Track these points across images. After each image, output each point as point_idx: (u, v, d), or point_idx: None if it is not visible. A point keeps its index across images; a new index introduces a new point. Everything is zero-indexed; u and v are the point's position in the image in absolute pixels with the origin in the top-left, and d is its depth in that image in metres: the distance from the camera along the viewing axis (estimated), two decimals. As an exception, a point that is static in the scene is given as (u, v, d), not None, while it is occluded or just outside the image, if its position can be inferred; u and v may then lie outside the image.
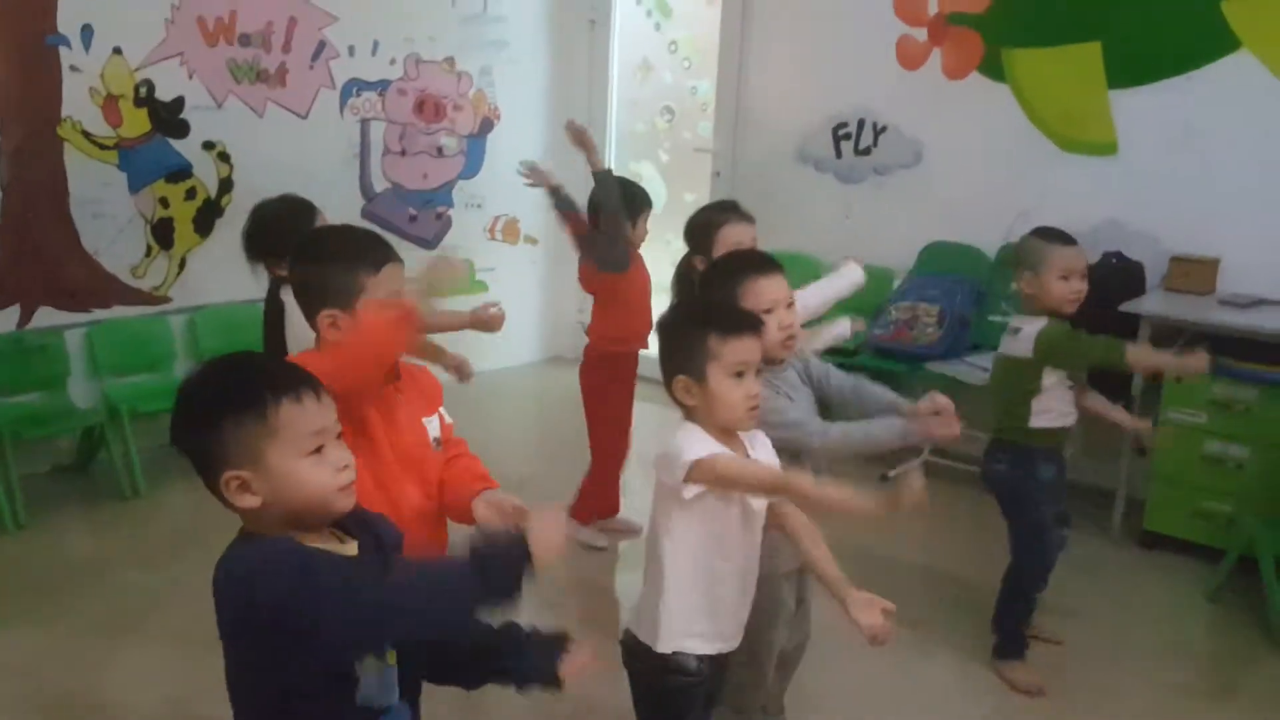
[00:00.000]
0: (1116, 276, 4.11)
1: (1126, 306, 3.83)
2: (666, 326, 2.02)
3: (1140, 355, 3.03)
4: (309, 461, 1.38)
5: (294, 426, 1.37)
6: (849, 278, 3.05)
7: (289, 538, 1.38)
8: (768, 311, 2.16)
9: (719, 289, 2.23)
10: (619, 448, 3.84)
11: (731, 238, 2.74)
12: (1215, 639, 3.36)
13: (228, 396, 1.38)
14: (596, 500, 3.83)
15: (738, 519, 1.94)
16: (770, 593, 2.20)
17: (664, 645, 1.95)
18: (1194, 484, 3.76)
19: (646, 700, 2.04)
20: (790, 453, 2.12)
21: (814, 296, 2.89)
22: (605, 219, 3.55)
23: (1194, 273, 4.08)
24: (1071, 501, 4.17)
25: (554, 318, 6.22)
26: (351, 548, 1.46)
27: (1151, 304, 3.93)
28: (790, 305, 2.23)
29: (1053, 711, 2.95)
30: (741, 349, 1.89)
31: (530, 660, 1.61)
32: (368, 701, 1.42)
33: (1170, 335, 3.87)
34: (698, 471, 1.83)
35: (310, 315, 1.89)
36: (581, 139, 3.66)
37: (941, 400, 2.20)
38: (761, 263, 2.26)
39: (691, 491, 1.86)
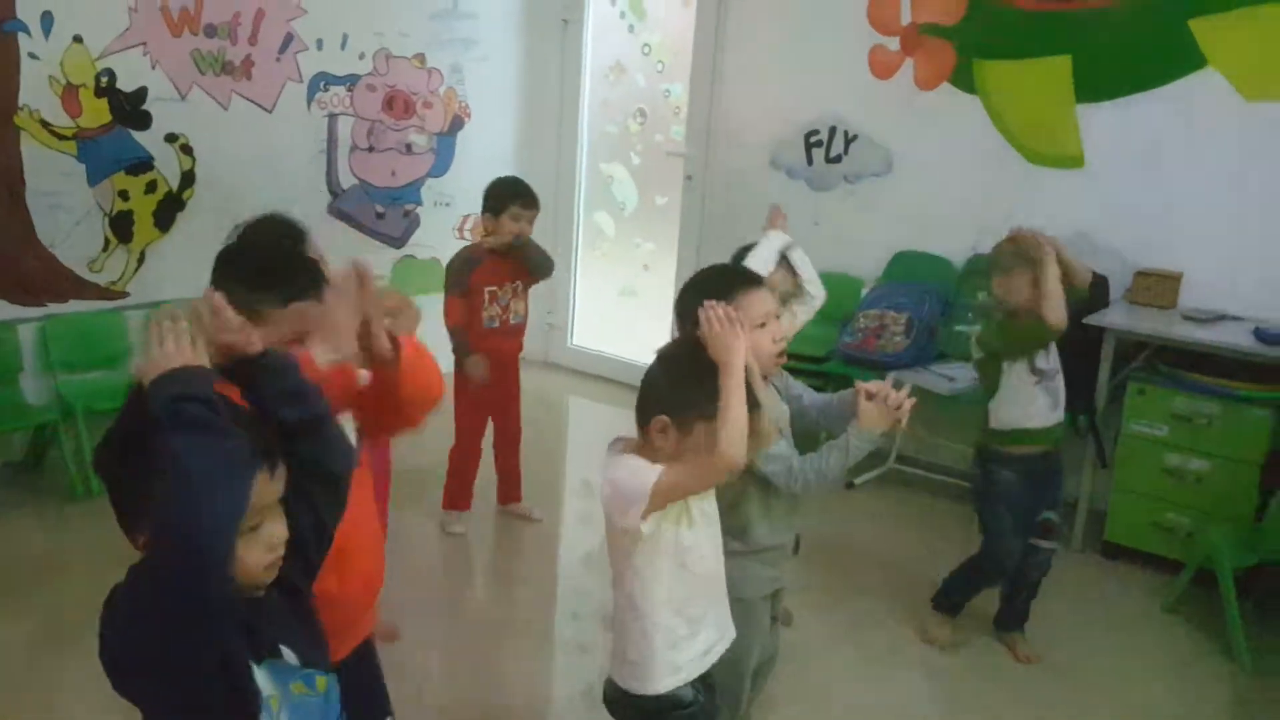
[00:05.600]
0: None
1: (1091, 319, 3.85)
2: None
3: (1053, 307, 2.89)
4: (242, 540, 1.28)
5: None
6: (772, 243, 2.74)
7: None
8: (761, 325, 2.14)
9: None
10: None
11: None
12: (1172, 652, 3.37)
13: None
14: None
15: (699, 520, 1.90)
16: (746, 617, 2.17)
17: (657, 686, 1.89)
18: (1155, 496, 3.78)
19: None
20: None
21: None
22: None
23: (1157, 287, 4.11)
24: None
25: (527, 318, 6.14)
26: None
27: (1115, 317, 3.96)
28: (779, 318, 2.25)
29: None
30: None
31: None
32: None
33: (1134, 348, 3.91)
34: (658, 496, 1.78)
35: None
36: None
37: (870, 386, 2.13)
38: (747, 277, 2.25)
39: (650, 526, 1.81)
